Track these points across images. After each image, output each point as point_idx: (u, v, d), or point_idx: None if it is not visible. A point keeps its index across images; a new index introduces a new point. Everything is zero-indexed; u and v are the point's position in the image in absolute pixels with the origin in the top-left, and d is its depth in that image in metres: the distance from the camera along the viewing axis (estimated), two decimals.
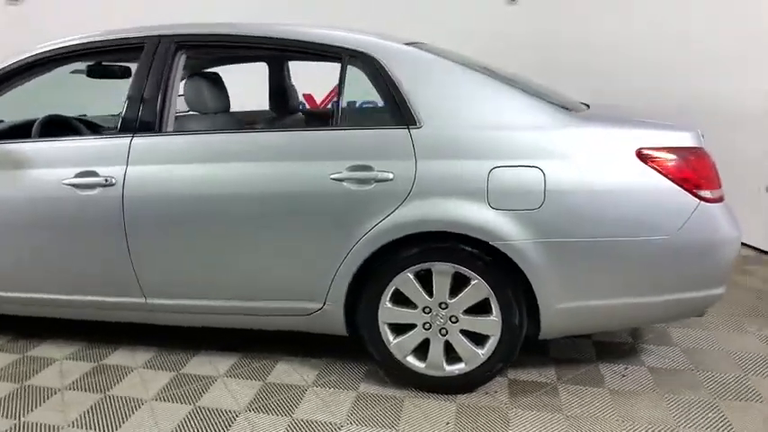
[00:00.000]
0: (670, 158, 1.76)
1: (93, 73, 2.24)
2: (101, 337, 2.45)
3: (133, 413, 1.92)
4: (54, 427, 1.84)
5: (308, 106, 6.24)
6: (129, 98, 2.04)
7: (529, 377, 2.11)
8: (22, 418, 1.89)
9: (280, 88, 2.99)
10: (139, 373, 2.18)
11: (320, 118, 3.36)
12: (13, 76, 2.15)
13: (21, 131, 2.44)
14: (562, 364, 2.20)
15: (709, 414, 1.86)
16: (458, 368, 1.96)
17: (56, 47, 2.11)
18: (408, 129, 1.84)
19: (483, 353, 1.92)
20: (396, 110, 1.87)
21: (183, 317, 2.15)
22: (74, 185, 2.00)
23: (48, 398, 2.02)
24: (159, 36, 2.06)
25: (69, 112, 2.72)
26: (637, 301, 1.85)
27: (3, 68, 2.13)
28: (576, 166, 1.76)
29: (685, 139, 1.80)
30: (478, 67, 1.96)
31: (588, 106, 2.12)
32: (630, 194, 1.76)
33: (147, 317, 2.18)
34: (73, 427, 1.84)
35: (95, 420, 1.88)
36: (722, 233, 1.79)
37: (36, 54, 2.11)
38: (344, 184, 1.84)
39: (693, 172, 1.76)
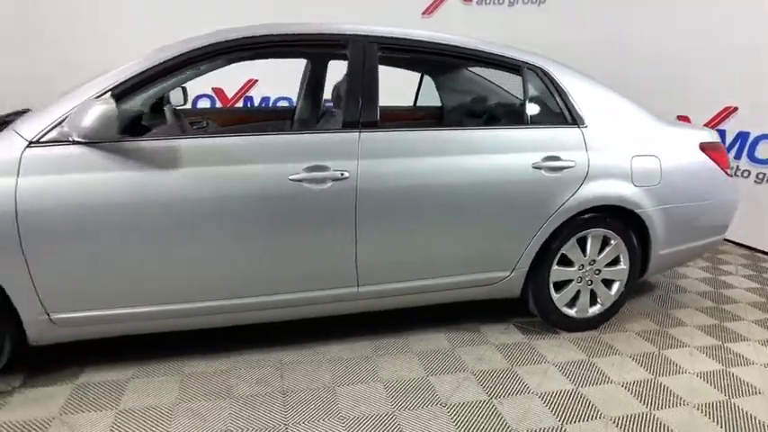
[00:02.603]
0: (713, 148, 2.70)
1: None
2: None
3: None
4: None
5: (218, 101, 6.01)
6: (348, 94, 2.08)
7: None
8: None
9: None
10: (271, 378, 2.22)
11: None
12: (199, 60, 1.95)
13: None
14: None
15: (715, 320, 2.91)
16: (597, 309, 2.61)
17: (253, 33, 2.00)
18: (580, 127, 2.39)
19: (613, 294, 2.61)
20: (567, 112, 2.39)
21: (388, 300, 2.26)
22: (302, 180, 1.96)
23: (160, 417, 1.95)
24: (365, 36, 2.14)
25: None
26: (693, 245, 2.77)
27: (192, 51, 1.92)
28: (672, 154, 2.56)
29: (715, 136, 2.78)
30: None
31: None
32: (699, 173, 2.64)
33: (351, 306, 2.22)
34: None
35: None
36: (734, 197, 2.82)
37: (232, 40, 1.96)
38: (542, 171, 2.29)
39: (722, 157, 2.74)
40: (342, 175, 2.00)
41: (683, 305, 3.00)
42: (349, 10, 5.56)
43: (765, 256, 3.95)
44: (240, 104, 5.93)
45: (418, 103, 3.76)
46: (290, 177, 1.95)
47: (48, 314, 1.84)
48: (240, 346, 2.32)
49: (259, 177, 1.92)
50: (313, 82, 3.31)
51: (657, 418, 1.95)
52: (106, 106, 1.65)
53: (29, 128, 1.75)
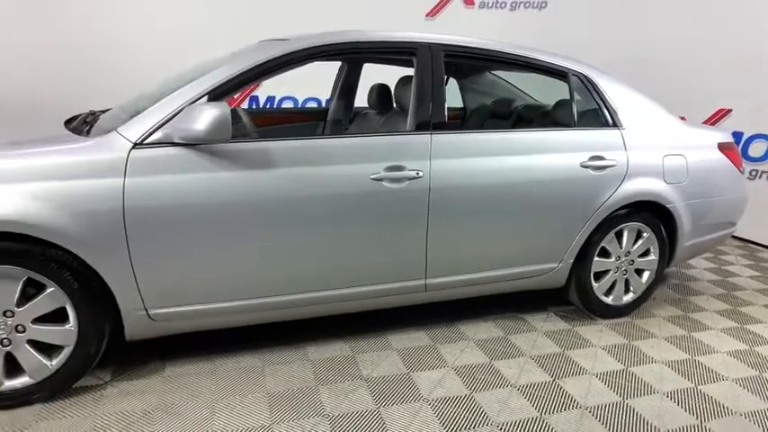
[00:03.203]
0: (729, 148, 2.95)
1: None
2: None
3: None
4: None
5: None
6: (418, 98, 2.21)
7: None
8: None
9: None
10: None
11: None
12: (290, 63, 2.06)
13: None
14: None
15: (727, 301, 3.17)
16: (630, 297, 2.82)
17: (344, 40, 2.12)
18: (619, 129, 2.59)
19: (644, 283, 2.82)
20: (608, 115, 2.59)
21: (450, 291, 2.41)
22: (382, 179, 2.09)
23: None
24: (434, 44, 2.28)
25: None
26: (711, 237, 3.01)
27: (286, 54, 2.03)
28: (696, 153, 2.79)
29: (729, 137, 3.03)
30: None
31: None
32: (719, 171, 2.88)
33: (418, 297, 2.35)
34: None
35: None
36: (745, 192, 3.08)
37: (314, 46, 2.07)
38: (589, 170, 2.48)
39: (736, 156, 2.99)
40: (417, 174, 2.14)
41: (699, 292, 3.26)
42: (355, 11, 5.69)
43: (759, 247, 4.28)
44: (245, 104, 5.96)
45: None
46: (372, 176, 2.07)
47: (146, 309, 1.91)
48: (300, 339, 2.43)
49: (344, 177, 2.04)
50: (347, 85, 3.43)
51: (704, 392, 2.17)
52: (221, 110, 1.74)
53: (133, 130, 1.82)
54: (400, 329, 2.56)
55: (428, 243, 2.23)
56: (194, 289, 1.95)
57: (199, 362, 2.19)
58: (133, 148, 1.80)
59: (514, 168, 2.33)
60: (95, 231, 1.75)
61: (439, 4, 5.99)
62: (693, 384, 2.23)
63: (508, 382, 2.16)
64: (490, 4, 5.90)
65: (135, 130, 1.83)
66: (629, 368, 2.33)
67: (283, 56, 2.04)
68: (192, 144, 1.83)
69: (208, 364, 2.18)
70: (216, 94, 1.93)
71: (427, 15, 6.04)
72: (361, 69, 3.44)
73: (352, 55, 2.25)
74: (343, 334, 2.48)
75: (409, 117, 2.23)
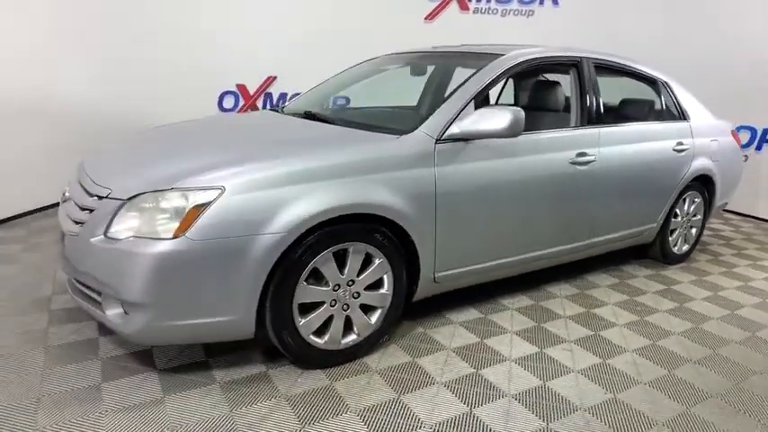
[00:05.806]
0: (735, 133, 4.02)
1: None
2: None
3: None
4: None
5: (241, 97, 6.22)
6: (583, 100, 2.88)
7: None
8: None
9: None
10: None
11: None
12: (508, 75, 2.60)
13: None
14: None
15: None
16: (686, 247, 3.78)
17: (527, 58, 2.71)
18: (687, 121, 3.49)
19: (695, 236, 3.80)
20: (680, 111, 3.48)
21: (597, 249, 3.14)
22: (575, 163, 2.74)
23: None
24: (590, 58, 2.96)
25: None
26: (725, 200, 4.08)
27: (512, 67, 2.60)
28: (723, 139, 3.81)
29: (733, 126, 4.11)
30: None
31: None
32: (733, 152, 3.93)
33: (582, 254, 3.05)
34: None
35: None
36: (742, 165, 4.20)
37: (536, 58, 2.70)
38: (676, 152, 3.34)
39: (738, 140, 4.08)
40: (594, 158, 2.82)
41: (709, 244, 4.35)
42: (359, 15, 6.15)
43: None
44: (260, 101, 6.14)
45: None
46: (569, 161, 2.72)
47: (434, 273, 2.38)
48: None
49: (556, 161, 2.68)
50: (442, 85, 3.97)
51: None
52: (518, 112, 2.26)
53: (432, 129, 2.28)
54: (556, 283, 3.22)
55: (594, 210, 2.94)
56: (463, 254, 2.46)
57: (427, 321, 2.68)
58: (436, 143, 2.26)
59: (644, 151, 3.13)
60: (419, 211, 2.20)
61: (437, 8, 6.63)
62: (762, 300, 3.20)
63: (653, 310, 2.95)
64: (483, 10, 6.67)
65: (433, 128, 2.29)
66: (716, 293, 3.25)
67: (510, 68, 2.59)
68: (473, 138, 2.34)
69: (444, 319, 2.67)
70: (478, 99, 2.44)
71: (426, 18, 6.65)
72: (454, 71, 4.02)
73: (546, 68, 2.85)
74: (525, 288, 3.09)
75: (577, 115, 2.90)
